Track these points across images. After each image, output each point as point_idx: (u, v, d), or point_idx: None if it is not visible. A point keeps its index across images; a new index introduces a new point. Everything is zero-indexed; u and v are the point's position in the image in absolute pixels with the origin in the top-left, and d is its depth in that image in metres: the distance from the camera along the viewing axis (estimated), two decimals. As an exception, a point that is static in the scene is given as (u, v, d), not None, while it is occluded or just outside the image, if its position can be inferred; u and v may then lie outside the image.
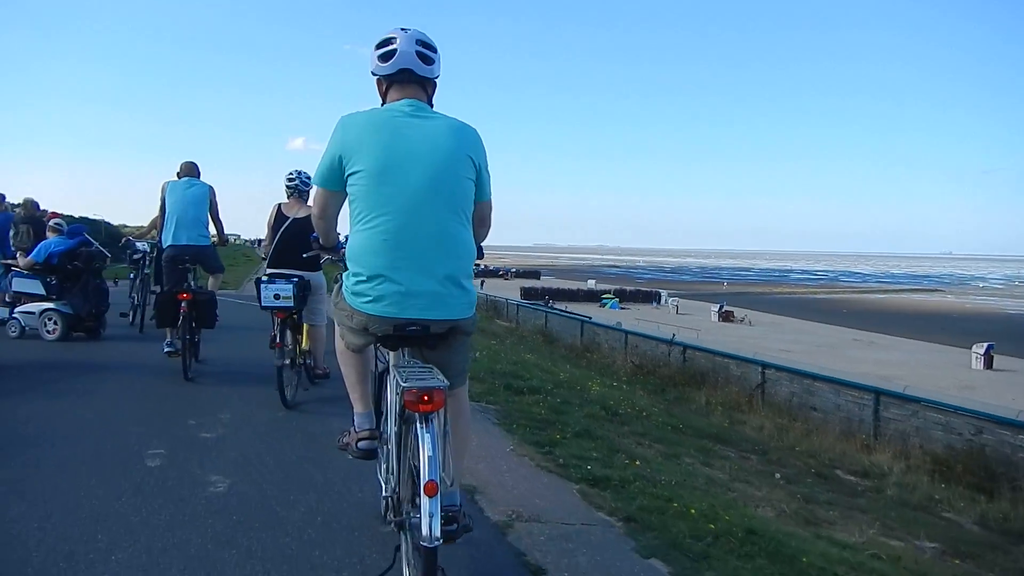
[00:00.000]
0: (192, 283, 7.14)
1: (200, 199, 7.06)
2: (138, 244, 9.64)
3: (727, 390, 13.85)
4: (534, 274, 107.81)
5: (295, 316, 5.90)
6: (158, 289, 8.18)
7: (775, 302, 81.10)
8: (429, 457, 2.21)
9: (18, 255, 8.94)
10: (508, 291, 61.40)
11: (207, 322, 6.90)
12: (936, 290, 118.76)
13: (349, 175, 2.60)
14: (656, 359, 17.18)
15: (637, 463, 5.49)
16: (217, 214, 7.29)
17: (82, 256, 8.89)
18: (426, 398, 2.28)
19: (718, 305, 63.06)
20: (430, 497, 2.17)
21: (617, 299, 70.48)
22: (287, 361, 5.69)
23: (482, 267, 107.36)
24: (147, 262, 9.45)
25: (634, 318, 48.41)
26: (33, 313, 8.68)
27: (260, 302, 5.62)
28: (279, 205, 6.21)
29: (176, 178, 7.22)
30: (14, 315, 8.76)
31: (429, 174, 2.55)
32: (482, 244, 3.05)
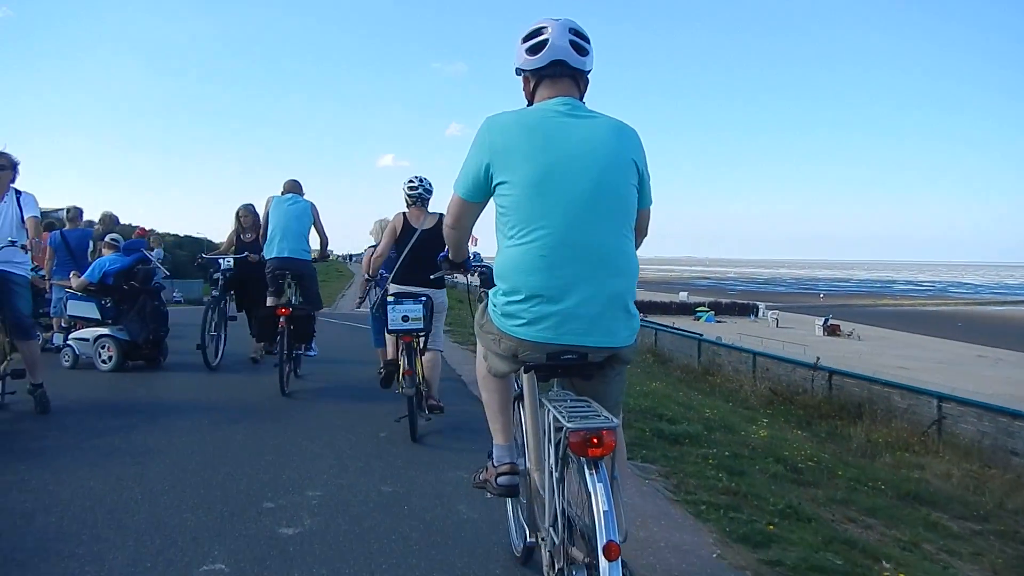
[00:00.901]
0: (292, 298, 7.15)
1: (302, 214, 7.15)
2: (222, 261, 7.94)
3: (892, 426, 11.53)
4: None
5: (419, 340, 5.31)
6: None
7: (881, 315, 77.15)
8: (605, 512, 1.93)
9: (72, 275, 7.76)
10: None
11: (305, 338, 7.03)
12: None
13: (498, 184, 2.34)
14: (793, 384, 14.92)
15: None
16: (321, 229, 7.47)
17: (139, 275, 7.63)
18: (595, 441, 2.01)
19: (823, 319, 59.64)
20: (610, 561, 1.89)
21: (712, 312, 67.62)
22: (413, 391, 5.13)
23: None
24: (225, 282, 7.98)
25: (736, 332, 45.76)
26: (87, 340, 7.47)
27: (387, 324, 5.13)
28: (404, 215, 5.71)
29: (280, 195, 7.37)
30: (68, 342, 7.57)
31: (592, 182, 2.27)
32: None
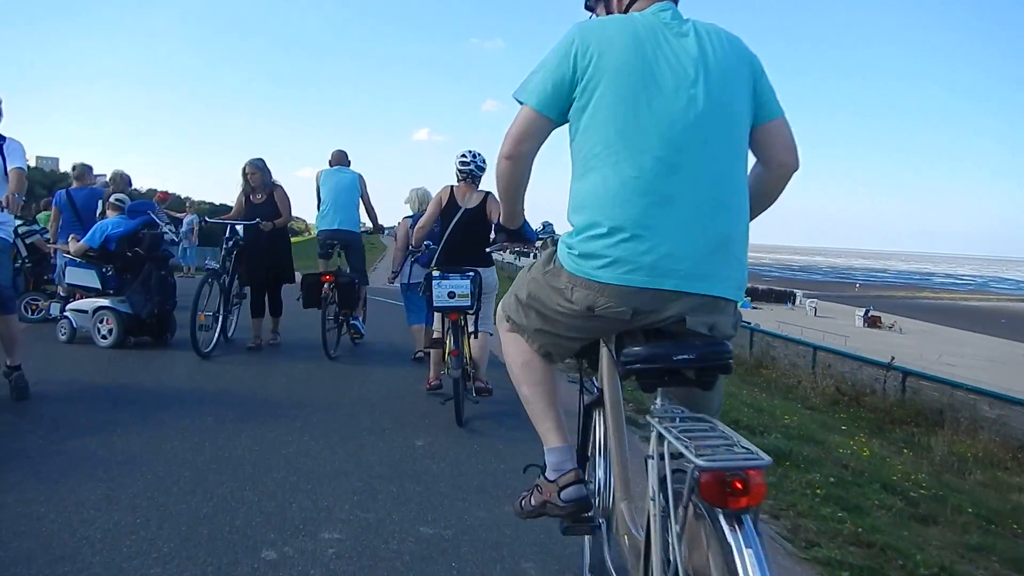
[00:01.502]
0: (340, 267, 7.31)
1: (351, 186, 7.25)
2: (238, 227, 6.87)
3: (979, 438, 10.24)
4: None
5: (466, 319, 5.03)
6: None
7: (920, 308, 75.00)
8: None
9: (70, 239, 6.89)
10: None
11: (350, 304, 7.13)
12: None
13: (583, 96, 1.82)
14: (859, 383, 13.67)
15: None
16: (368, 201, 7.47)
17: (144, 241, 6.72)
18: (739, 486, 1.35)
19: (863, 309, 57.89)
20: None
21: (748, 298, 65.93)
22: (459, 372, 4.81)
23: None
24: (234, 251, 6.84)
25: (775, 320, 44.30)
26: (85, 312, 6.61)
27: (432, 302, 4.90)
28: (451, 188, 5.49)
29: (328, 166, 7.45)
30: (65, 313, 6.73)
31: (699, 97, 1.77)
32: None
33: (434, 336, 5.46)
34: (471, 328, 5.13)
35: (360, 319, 7.79)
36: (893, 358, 14.95)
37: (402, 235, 6.83)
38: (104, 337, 6.50)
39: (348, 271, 7.31)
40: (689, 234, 1.74)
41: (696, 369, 1.68)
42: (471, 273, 4.93)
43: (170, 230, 7.57)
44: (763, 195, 1.98)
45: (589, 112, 1.82)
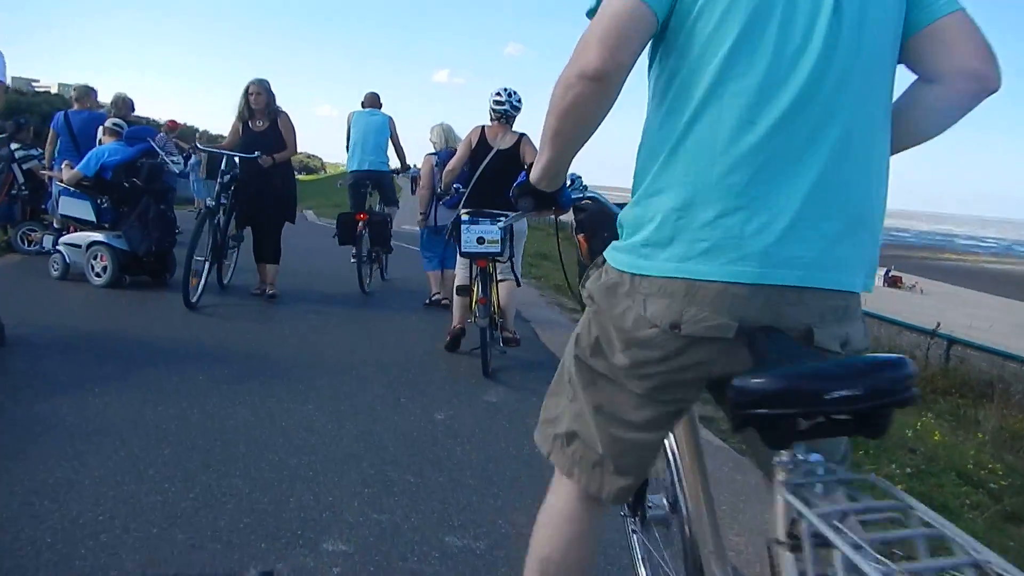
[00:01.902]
0: (373, 206, 7.46)
1: (381, 127, 7.36)
2: (235, 159, 5.94)
3: (1026, 411, 9.67)
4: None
5: (495, 266, 4.83)
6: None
7: (943, 269, 73.50)
8: None
9: (63, 165, 6.30)
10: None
11: (381, 241, 7.24)
12: None
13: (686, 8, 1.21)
14: (897, 349, 12.95)
15: None
16: (398, 141, 7.58)
17: (143, 171, 6.10)
18: None
19: (884, 269, 56.76)
20: None
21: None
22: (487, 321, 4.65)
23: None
24: (230, 186, 5.96)
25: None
26: (79, 247, 6.07)
27: (459, 246, 4.65)
28: (483, 128, 5.17)
29: (360, 108, 7.56)
30: (58, 247, 6.19)
31: (843, 27, 1.18)
32: None
33: (458, 284, 5.15)
34: (499, 275, 4.91)
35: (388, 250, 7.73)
36: (939, 324, 14.07)
37: (427, 172, 6.35)
38: (98, 275, 5.97)
39: (381, 207, 7.56)
40: (819, 213, 1.18)
41: (861, 410, 1.02)
42: (501, 218, 4.57)
43: (174, 161, 6.94)
44: (926, 124, 1.36)
45: (690, 36, 1.23)
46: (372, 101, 7.59)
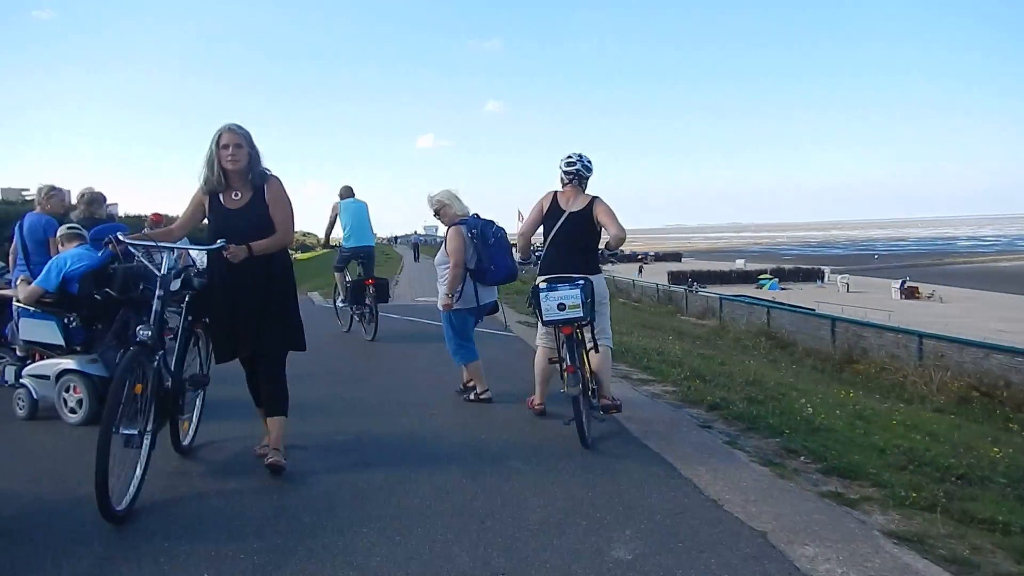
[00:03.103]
0: (360, 273, 9.60)
1: (364, 212, 9.62)
2: (195, 255, 4.73)
3: None
4: (674, 256, 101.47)
5: (581, 331, 4.75)
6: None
7: (952, 274, 72.48)
8: None
9: (19, 281, 5.35)
10: (652, 275, 56.69)
11: (384, 298, 9.63)
12: None
13: None
14: (981, 373, 11.83)
15: None
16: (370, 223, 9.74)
17: (116, 278, 5.09)
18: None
19: (899, 281, 55.78)
20: None
21: (775, 279, 63.93)
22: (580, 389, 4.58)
23: (622, 252, 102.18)
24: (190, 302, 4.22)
25: (813, 300, 42.33)
26: (47, 378, 5.05)
27: (540, 316, 4.71)
28: (554, 193, 5.21)
29: (340, 198, 9.59)
30: (22, 380, 5.18)
31: None
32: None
33: (539, 358, 5.30)
34: (588, 342, 4.85)
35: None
36: None
37: (459, 246, 5.63)
38: (72, 411, 4.95)
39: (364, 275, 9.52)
40: None
41: None
42: (581, 281, 4.73)
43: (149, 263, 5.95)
44: None
45: None
46: (349, 192, 9.66)
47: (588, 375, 4.75)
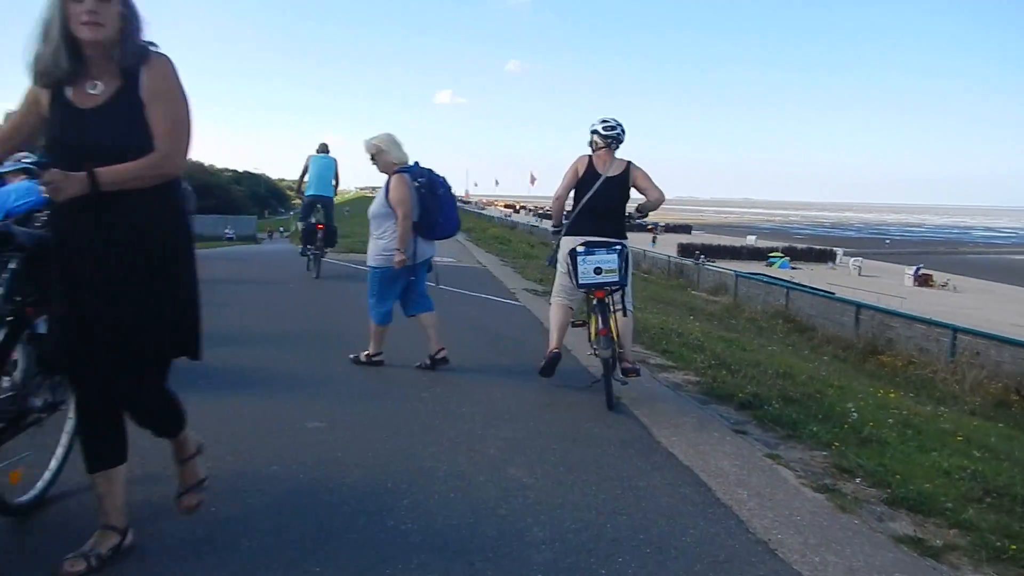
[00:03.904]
0: (319, 219, 10.99)
1: (329, 167, 11.02)
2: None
3: None
4: (684, 229, 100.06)
5: (612, 296, 4.87)
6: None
7: (967, 264, 71.35)
8: None
9: (-49, 215, 4.58)
10: (662, 247, 55.86)
11: (331, 243, 11.14)
12: None
13: None
14: (1018, 372, 11.06)
15: None
16: (337, 176, 11.18)
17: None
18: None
19: (914, 267, 54.76)
20: None
21: (787, 258, 62.86)
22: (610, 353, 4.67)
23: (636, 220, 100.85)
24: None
25: (825, 283, 41.47)
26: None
27: (576, 279, 4.77)
28: (589, 157, 5.18)
29: (316, 153, 11.07)
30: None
31: None
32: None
33: (556, 316, 5.27)
34: (618, 305, 4.92)
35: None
36: None
37: (405, 195, 5.28)
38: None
39: (325, 219, 10.94)
40: None
41: None
42: (619, 247, 4.85)
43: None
44: None
45: None
46: (323, 148, 11.11)
47: (615, 338, 4.76)
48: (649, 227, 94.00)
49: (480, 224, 34.85)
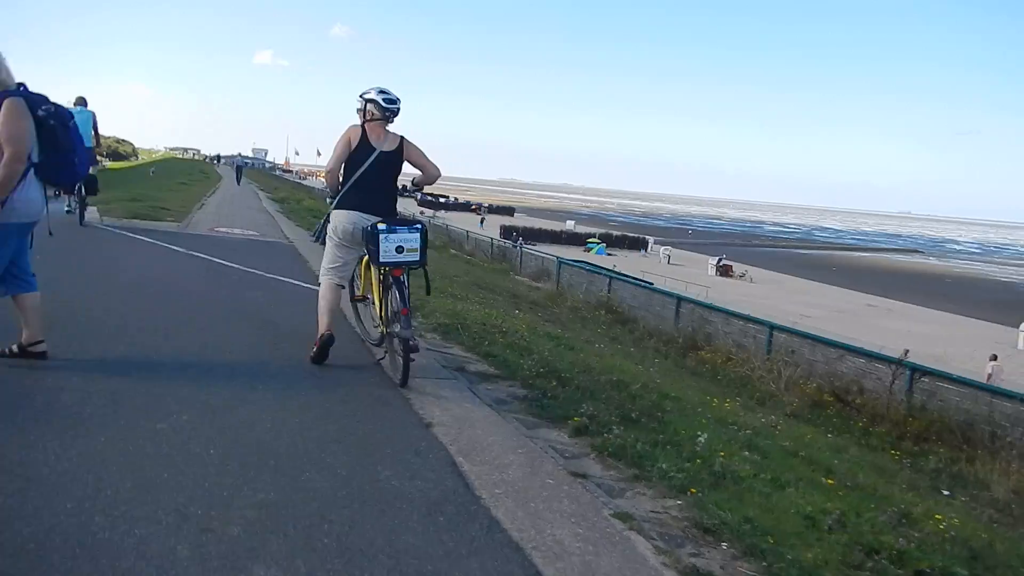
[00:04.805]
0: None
1: (87, 120, 10.84)
2: None
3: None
4: (508, 211, 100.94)
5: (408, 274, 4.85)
6: None
7: (758, 256, 77.62)
8: None
9: None
10: (477, 227, 55.76)
11: (93, 191, 11.51)
12: (915, 251, 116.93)
13: None
14: (835, 376, 10.83)
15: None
16: (98, 131, 11.50)
17: None
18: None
19: (716, 258, 58.39)
20: None
21: (604, 244, 64.93)
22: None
23: (453, 199, 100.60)
24: None
25: (639, 270, 42.93)
26: None
27: (377, 256, 4.65)
28: (362, 128, 5.00)
29: (73, 106, 10.64)
30: None
31: None
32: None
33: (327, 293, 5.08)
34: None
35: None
36: (907, 351, 12.03)
37: (21, 129, 3.92)
38: None
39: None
40: None
41: None
42: (419, 225, 4.87)
43: None
44: None
45: None
46: (81, 101, 11.22)
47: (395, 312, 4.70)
48: (473, 208, 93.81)
49: (296, 195, 32.33)
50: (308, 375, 4.72)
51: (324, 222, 5.18)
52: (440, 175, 5.24)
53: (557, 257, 24.53)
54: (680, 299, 16.71)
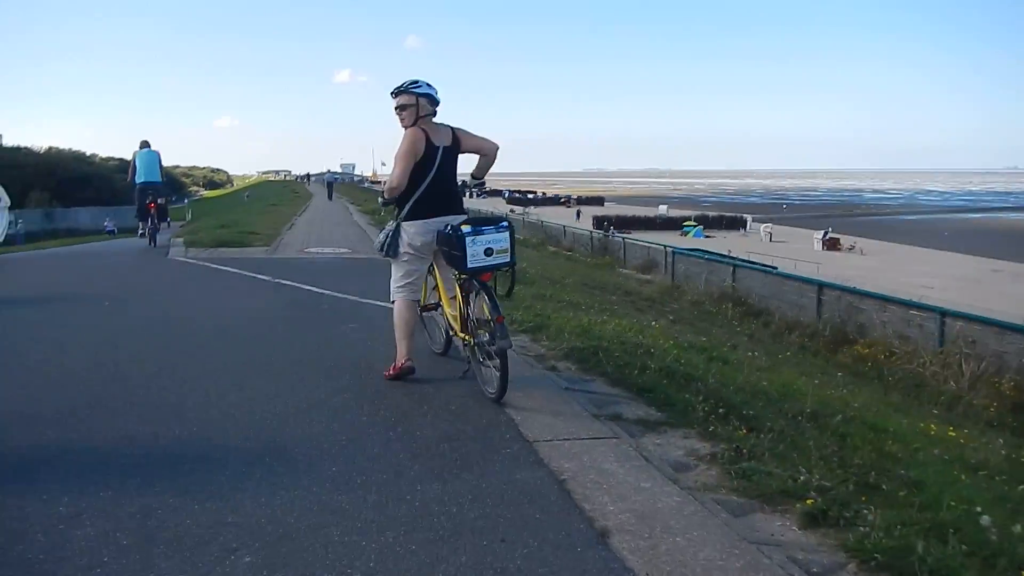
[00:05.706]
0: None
1: (155, 158, 13.66)
2: None
3: None
4: (598, 201, 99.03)
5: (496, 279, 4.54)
6: None
7: (862, 225, 73.16)
8: None
9: None
10: (573, 220, 54.23)
11: (163, 218, 14.12)
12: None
13: None
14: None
15: None
16: (162, 166, 14.01)
17: None
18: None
19: (822, 232, 55.09)
20: None
21: (700, 226, 62.40)
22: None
23: (540, 194, 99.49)
24: None
25: (745, 251, 40.55)
26: None
27: (464, 262, 4.24)
28: (424, 131, 4.56)
29: (139, 148, 13.73)
30: None
31: None
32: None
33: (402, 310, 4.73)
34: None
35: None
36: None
37: None
38: None
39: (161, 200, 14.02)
40: None
41: None
42: (505, 224, 4.52)
43: None
44: None
45: None
46: (145, 144, 13.73)
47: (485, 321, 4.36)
48: (563, 200, 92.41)
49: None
50: (412, 449, 3.54)
51: (393, 234, 4.64)
52: (499, 147, 4.81)
53: (666, 246, 22.76)
54: (821, 285, 14.70)
